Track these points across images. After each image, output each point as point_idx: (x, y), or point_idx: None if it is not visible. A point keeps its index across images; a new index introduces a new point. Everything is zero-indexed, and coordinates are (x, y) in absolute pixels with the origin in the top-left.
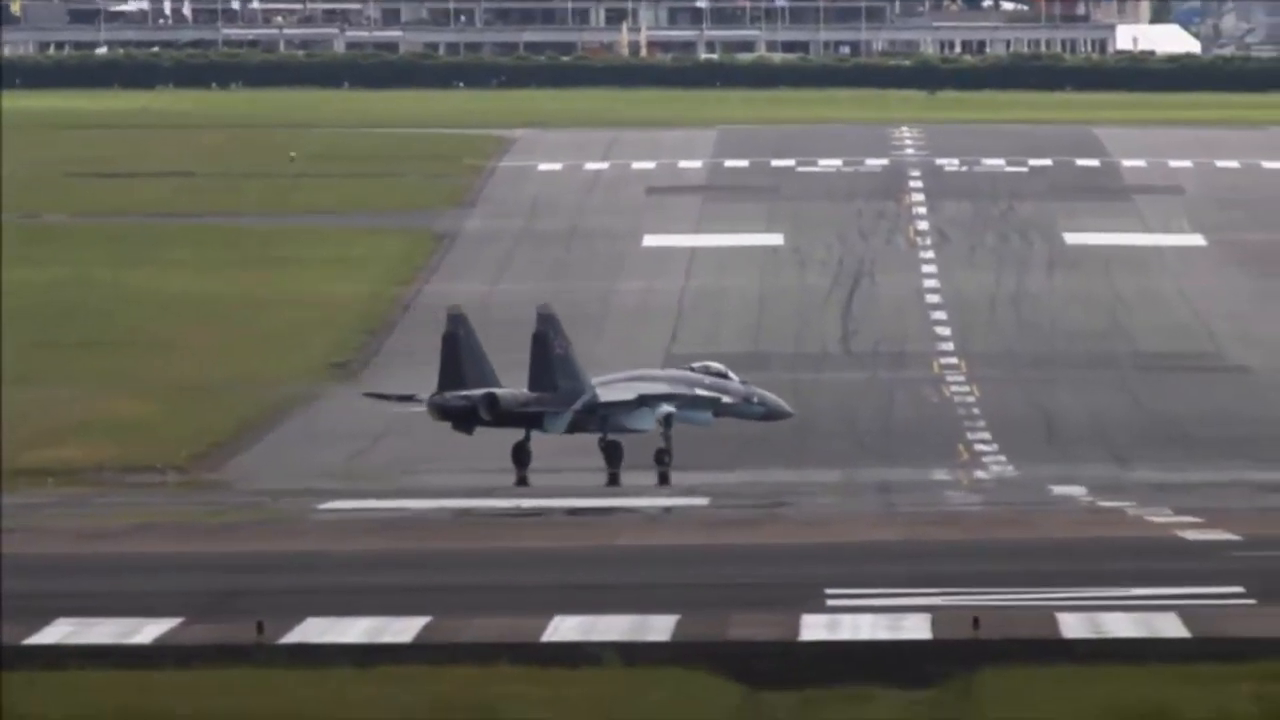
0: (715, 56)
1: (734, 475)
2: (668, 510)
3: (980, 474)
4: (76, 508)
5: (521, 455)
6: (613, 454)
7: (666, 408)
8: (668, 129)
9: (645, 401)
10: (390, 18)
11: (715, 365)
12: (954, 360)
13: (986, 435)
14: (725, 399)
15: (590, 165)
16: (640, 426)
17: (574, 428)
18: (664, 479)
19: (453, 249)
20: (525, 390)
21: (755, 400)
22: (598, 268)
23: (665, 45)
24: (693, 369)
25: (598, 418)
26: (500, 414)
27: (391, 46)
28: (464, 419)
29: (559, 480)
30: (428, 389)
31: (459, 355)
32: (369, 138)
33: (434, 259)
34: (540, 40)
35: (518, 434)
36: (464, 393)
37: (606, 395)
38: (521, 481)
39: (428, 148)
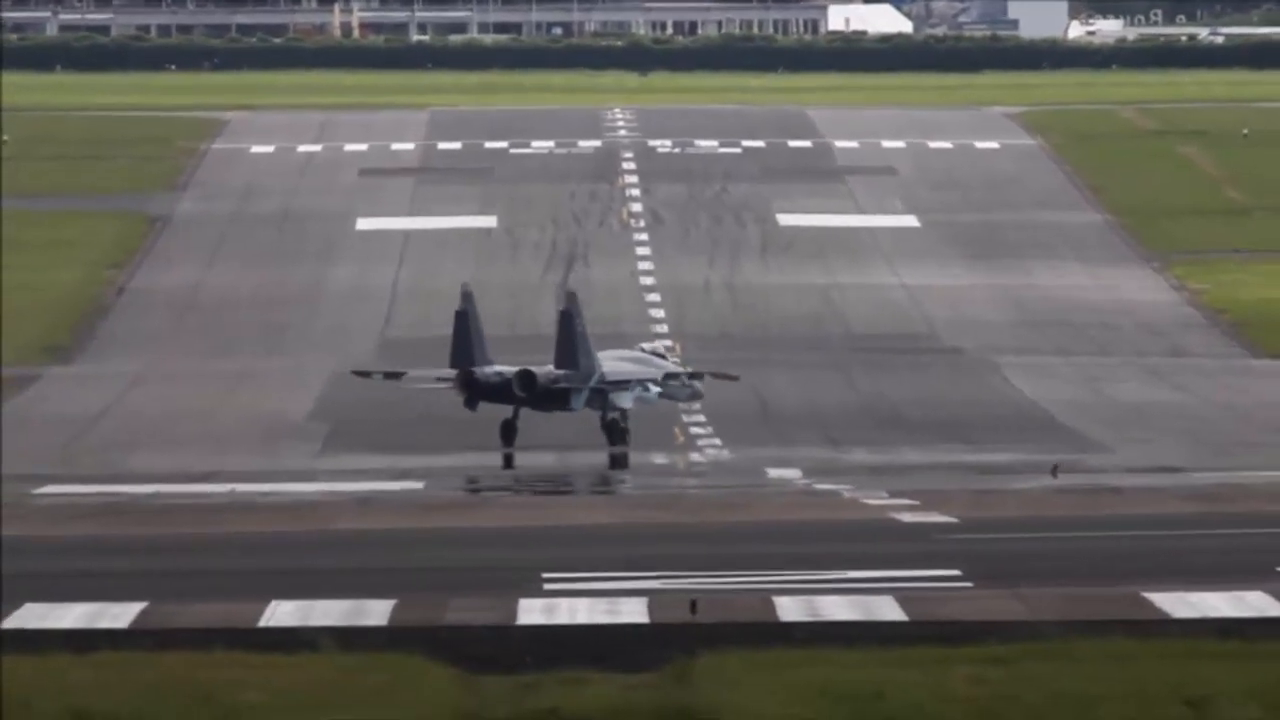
0: (427, 38)
1: (450, 458)
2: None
3: (696, 457)
4: None
5: (509, 433)
6: (615, 433)
7: (655, 389)
8: (380, 111)
9: (644, 382)
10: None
11: (660, 347)
12: (669, 343)
13: (701, 418)
14: (673, 381)
15: (303, 148)
16: (623, 405)
17: (587, 405)
18: (619, 461)
19: (165, 232)
20: (552, 368)
21: (686, 382)
22: (311, 251)
23: (377, 27)
24: (643, 349)
25: (602, 395)
26: (534, 391)
27: (104, 29)
28: (494, 395)
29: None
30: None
31: (469, 331)
32: (81, 121)
33: (147, 242)
34: (252, 22)
35: (505, 410)
36: (498, 368)
37: (611, 373)
38: (508, 460)
39: (140, 130)
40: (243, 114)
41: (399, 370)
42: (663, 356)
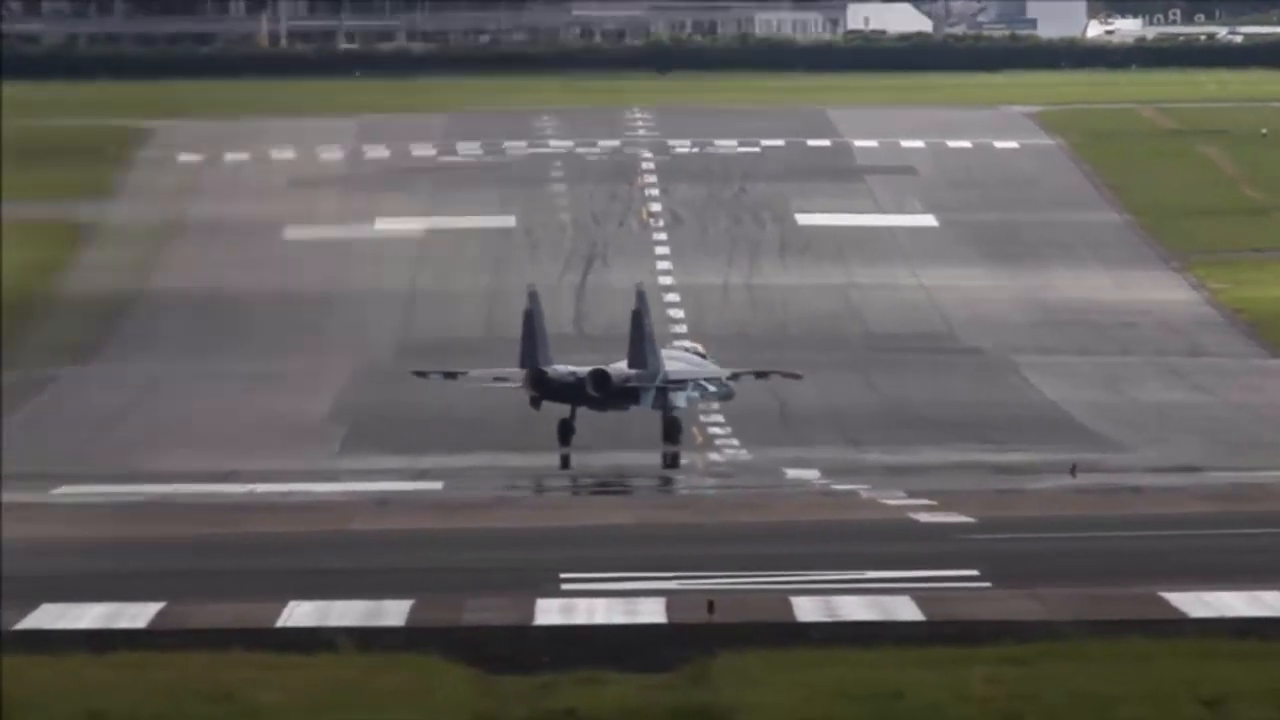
0: (355, 46)
1: (469, 458)
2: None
3: (714, 457)
4: None
5: (566, 432)
6: (673, 431)
7: (711, 387)
8: (309, 118)
9: (700, 381)
10: (31, 8)
11: (698, 346)
12: (688, 343)
13: (720, 418)
14: (732, 381)
15: (231, 156)
16: (680, 404)
17: (653, 403)
18: (674, 460)
19: (93, 241)
20: (625, 366)
21: (722, 382)
22: (242, 259)
23: (305, 35)
24: (684, 348)
25: (664, 395)
26: (608, 391)
27: (33, 38)
28: (565, 394)
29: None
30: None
31: (534, 331)
32: (9, 129)
33: (75, 251)
34: (181, 31)
35: (562, 409)
36: (570, 368)
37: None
38: (565, 460)
39: (68, 139)
40: (170, 122)
41: (458, 370)
42: (702, 355)
